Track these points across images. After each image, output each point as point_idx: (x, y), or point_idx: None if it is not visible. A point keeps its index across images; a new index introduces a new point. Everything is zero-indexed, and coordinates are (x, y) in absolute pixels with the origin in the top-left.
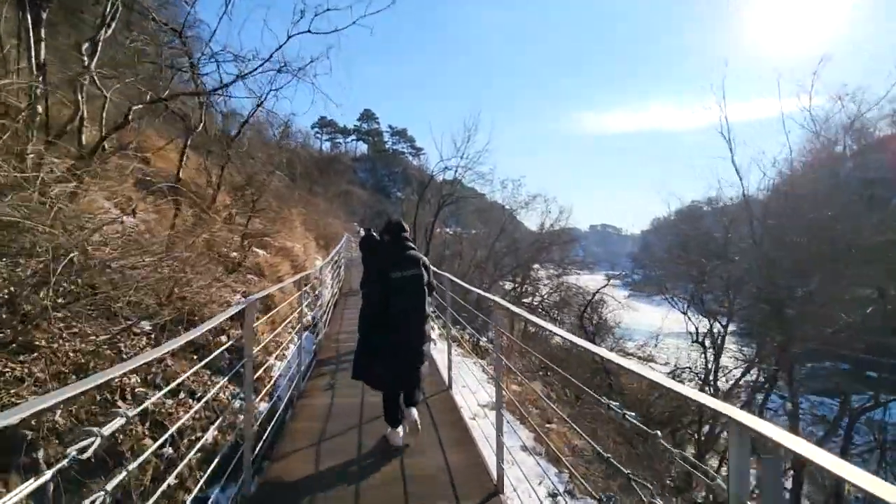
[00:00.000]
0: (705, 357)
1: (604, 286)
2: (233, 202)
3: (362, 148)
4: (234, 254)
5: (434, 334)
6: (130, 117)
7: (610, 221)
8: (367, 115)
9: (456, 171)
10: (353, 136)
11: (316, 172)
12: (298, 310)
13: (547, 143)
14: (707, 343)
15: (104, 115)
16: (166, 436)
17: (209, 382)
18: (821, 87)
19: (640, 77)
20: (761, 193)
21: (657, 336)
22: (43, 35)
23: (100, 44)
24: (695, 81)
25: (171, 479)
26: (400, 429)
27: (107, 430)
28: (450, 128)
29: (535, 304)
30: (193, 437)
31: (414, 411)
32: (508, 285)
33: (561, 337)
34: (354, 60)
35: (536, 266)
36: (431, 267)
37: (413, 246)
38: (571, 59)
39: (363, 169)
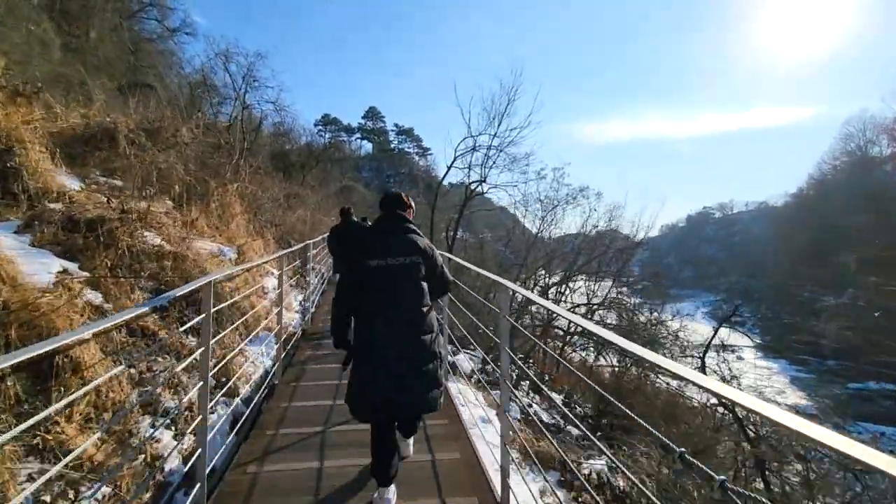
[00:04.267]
0: None
1: (729, 315)
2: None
3: (367, 148)
4: None
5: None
6: None
7: (616, 228)
8: (373, 114)
9: (488, 150)
10: (358, 135)
11: (312, 162)
12: None
13: (546, 153)
14: None
15: None
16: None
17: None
18: (840, 90)
19: (637, 86)
20: (781, 199)
21: None
22: None
23: None
24: (691, 90)
25: None
26: (392, 488)
27: None
28: (480, 94)
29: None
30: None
31: (410, 445)
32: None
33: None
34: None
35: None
36: (441, 257)
37: (414, 228)
38: (566, 70)
39: (368, 168)
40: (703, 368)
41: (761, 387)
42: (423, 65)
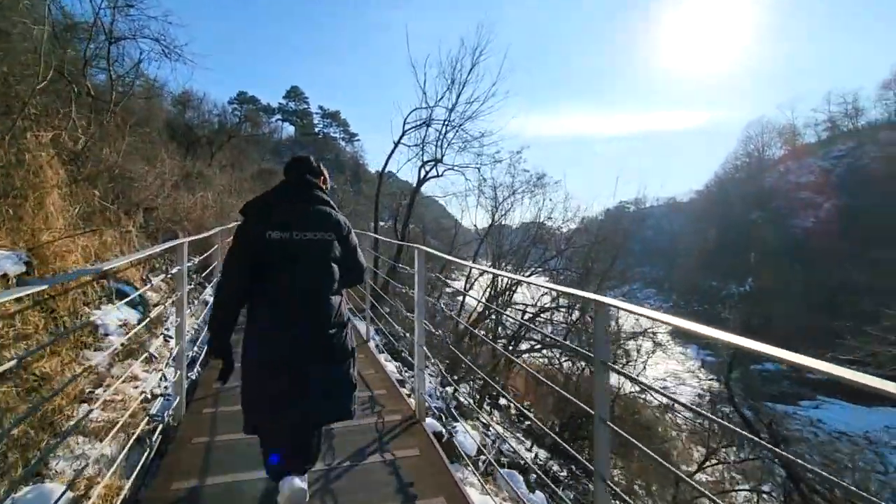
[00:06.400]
0: None
1: None
2: None
3: (289, 130)
4: None
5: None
6: None
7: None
8: (295, 94)
9: (444, 125)
10: (278, 116)
11: (223, 139)
12: None
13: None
14: None
15: None
16: None
17: None
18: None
19: (556, 86)
20: (686, 196)
21: None
22: None
23: None
24: (609, 92)
25: None
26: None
27: None
28: (440, 53)
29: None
30: None
31: (297, 482)
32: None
33: None
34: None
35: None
36: (355, 237)
37: (327, 199)
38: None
39: (290, 152)
40: (729, 391)
41: (678, 371)
42: (355, 57)
